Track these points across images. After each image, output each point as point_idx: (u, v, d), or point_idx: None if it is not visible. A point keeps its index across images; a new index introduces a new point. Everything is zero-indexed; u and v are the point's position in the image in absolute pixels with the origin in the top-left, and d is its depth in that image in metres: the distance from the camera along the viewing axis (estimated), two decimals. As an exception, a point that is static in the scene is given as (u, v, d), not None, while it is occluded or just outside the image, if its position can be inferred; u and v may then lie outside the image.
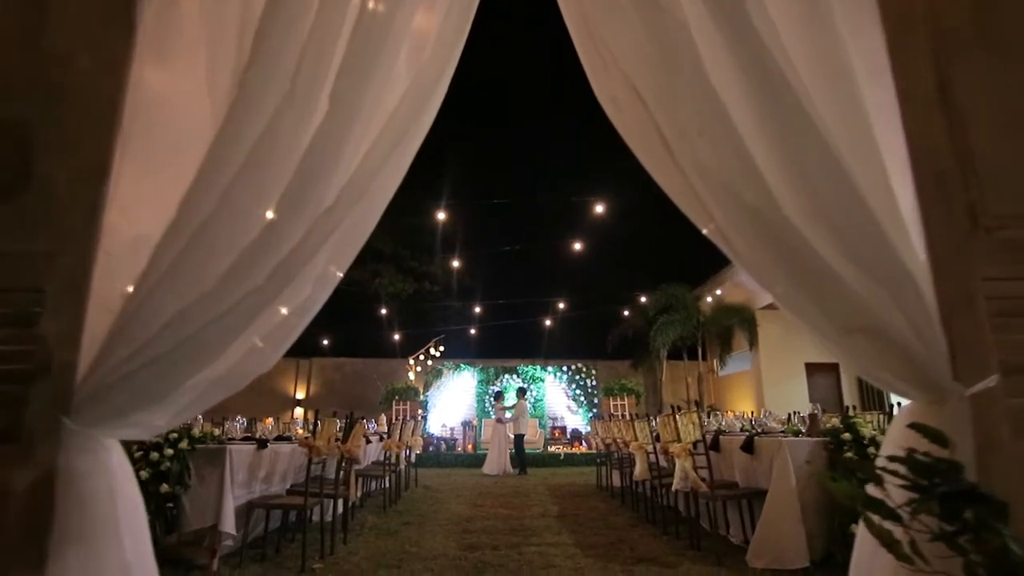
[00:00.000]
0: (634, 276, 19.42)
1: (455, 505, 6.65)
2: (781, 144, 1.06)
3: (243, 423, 4.51)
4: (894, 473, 0.93)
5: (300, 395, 19.71)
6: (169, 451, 3.59)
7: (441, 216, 15.08)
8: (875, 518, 0.91)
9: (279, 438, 4.59)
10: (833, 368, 15.74)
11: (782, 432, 4.07)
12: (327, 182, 1.21)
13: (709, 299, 16.35)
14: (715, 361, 17.97)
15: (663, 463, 5.10)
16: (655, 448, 5.12)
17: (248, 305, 1.15)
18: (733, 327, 16.08)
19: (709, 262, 17.73)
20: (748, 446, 4.04)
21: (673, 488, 4.18)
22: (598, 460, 8.21)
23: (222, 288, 1.13)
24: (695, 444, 4.15)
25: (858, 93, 1.11)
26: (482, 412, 15.78)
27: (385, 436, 6.65)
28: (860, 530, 1.12)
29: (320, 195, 1.19)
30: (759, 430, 4.38)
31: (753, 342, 15.17)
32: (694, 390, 16.90)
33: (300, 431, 5.90)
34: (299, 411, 19.35)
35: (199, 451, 3.73)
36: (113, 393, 1.07)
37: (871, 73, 1.13)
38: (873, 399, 14.73)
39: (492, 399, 11.89)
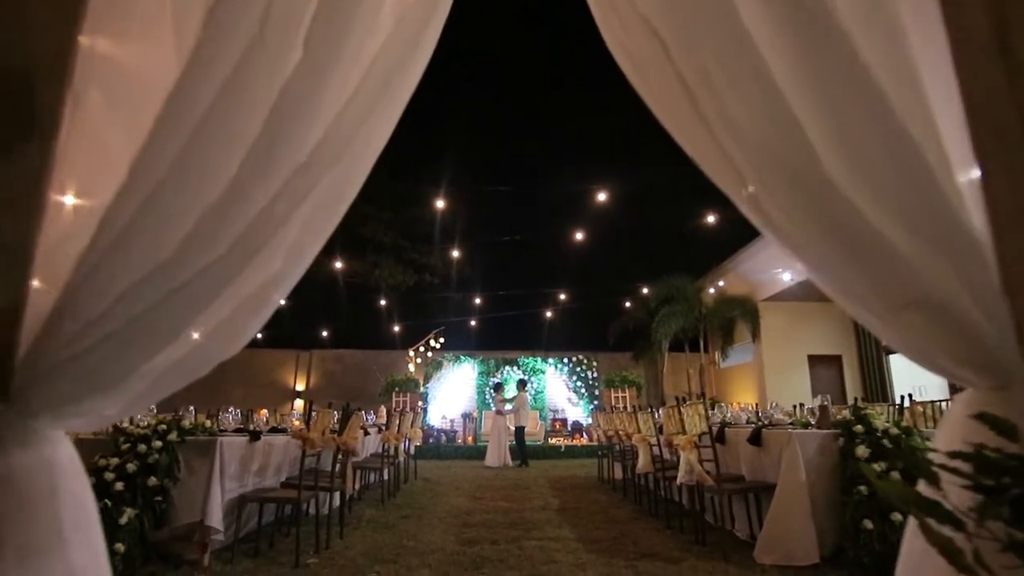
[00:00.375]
0: (635, 267, 19.28)
1: (454, 498, 6.55)
2: (824, 94, 0.91)
3: (236, 414, 4.39)
4: (955, 471, 0.80)
5: (300, 387, 19.65)
6: (158, 443, 3.48)
7: (441, 207, 14.95)
8: (931, 523, 0.78)
9: (273, 430, 4.47)
10: (835, 360, 15.65)
11: (790, 424, 3.94)
12: (300, 139, 1.06)
13: (711, 290, 16.20)
14: (716, 353, 17.88)
15: (667, 456, 4.99)
16: (659, 440, 5.01)
17: (211, 277, 1.01)
18: (735, 319, 15.98)
19: (711, 253, 17.63)
20: (756, 438, 3.92)
21: (678, 481, 4.06)
22: (599, 452, 8.11)
23: (181, 257, 0.99)
24: (700, 436, 4.03)
25: (905, 38, 0.97)
26: (482, 404, 15.70)
27: (384, 428, 6.53)
28: (908, 534, 1.00)
29: (292, 153, 1.05)
30: (766, 422, 4.26)
31: (755, 334, 15.05)
32: (695, 382, 16.83)
33: (296, 423, 5.79)
34: (299, 403, 19.30)
35: (189, 443, 3.61)
36: (58, 376, 0.94)
37: (918, 15, 0.99)
38: (876, 391, 14.61)
39: (492, 391, 11.79)
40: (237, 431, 4.05)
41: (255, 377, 19.03)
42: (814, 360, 15.62)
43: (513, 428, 11.29)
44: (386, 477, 6.68)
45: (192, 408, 4.48)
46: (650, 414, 5.06)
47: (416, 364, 16.68)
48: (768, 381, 15.20)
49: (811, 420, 3.86)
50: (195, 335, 1.11)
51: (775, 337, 15.37)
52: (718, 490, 3.75)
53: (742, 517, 4.23)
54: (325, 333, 19.54)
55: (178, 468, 3.50)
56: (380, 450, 6.44)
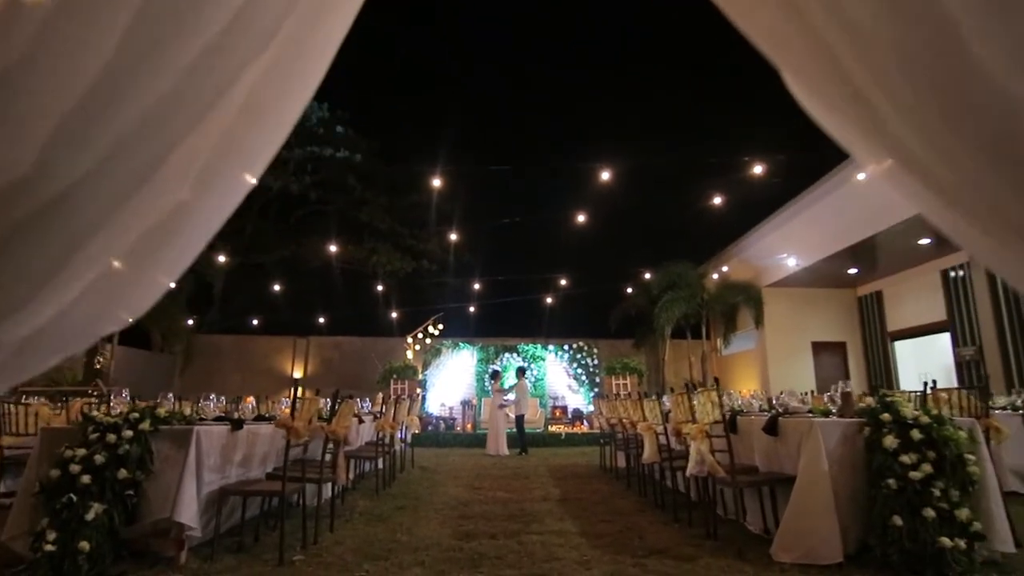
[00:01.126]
0: (637, 253, 19.04)
1: (452, 488, 6.33)
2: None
3: (218, 401, 4.14)
4: None
5: (298, 374, 19.43)
6: (128, 433, 3.22)
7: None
8: None
9: (260, 418, 4.22)
10: (839, 347, 15.42)
11: (809, 412, 3.69)
12: (210, 8, 0.76)
13: (715, 276, 15.93)
14: (718, 340, 17.65)
15: (675, 445, 4.75)
16: (666, 429, 4.76)
17: (82, 198, 0.73)
18: (738, 305, 15.74)
19: (714, 238, 17.34)
20: (772, 428, 3.67)
21: (687, 473, 3.82)
22: (601, 440, 7.89)
23: (42, 171, 0.71)
24: (712, 425, 3.78)
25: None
26: (482, 391, 15.48)
27: (379, 416, 6.29)
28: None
29: (197, 28, 0.76)
30: (780, 410, 4.01)
31: (759, 320, 14.81)
32: (697, 369, 16.61)
33: (285, 411, 5.54)
34: (298, 392, 19.09)
35: (164, 433, 3.36)
36: None
37: None
38: (881, 378, 14.41)
39: (489, 379, 11.57)
40: (218, 419, 3.80)
41: (252, 364, 18.82)
42: (818, 347, 15.40)
43: (513, 416, 11.07)
44: (381, 466, 6.45)
45: (171, 396, 4.23)
46: (656, 401, 4.82)
47: (415, 351, 16.44)
48: (771, 368, 15.00)
49: (831, 408, 3.60)
50: (74, 284, 0.82)
51: (779, 324, 15.14)
52: (732, 483, 3.50)
53: (755, 510, 3.99)
54: (323, 320, 19.31)
55: (151, 459, 3.25)
56: (375, 438, 6.19)
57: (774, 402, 4.26)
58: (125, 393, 4.17)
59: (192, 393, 4.80)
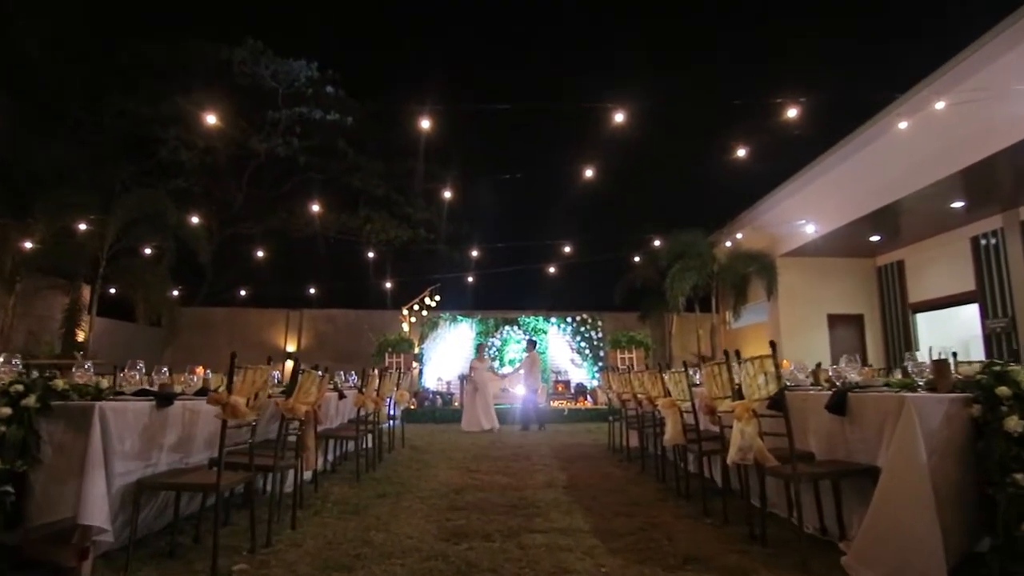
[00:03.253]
0: (644, 221, 18.13)
1: (444, 471, 5.61)
2: None
3: (143, 370, 3.35)
4: None
5: (291, 348, 18.79)
6: (6, 410, 2.45)
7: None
8: None
9: (202, 392, 3.45)
10: (856, 320, 14.63)
11: (885, 386, 2.93)
12: None
13: (728, 244, 15.08)
14: (728, 313, 16.90)
15: (708, 425, 3.99)
16: (693, 406, 4.00)
17: None
18: (749, 276, 14.93)
19: (725, 205, 16.45)
20: (838, 405, 2.90)
21: (729, 460, 3.06)
22: (610, 417, 7.17)
23: None
24: (758, 403, 3.00)
25: None
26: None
27: (362, 390, 5.54)
28: None
29: None
30: (842, 383, 3.24)
31: (772, 291, 14.01)
32: (706, 343, 15.89)
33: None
34: (289, 364, 18.45)
35: (59, 411, 2.59)
36: None
37: None
38: (899, 352, 13.66)
39: (474, 352, 10.98)
40: (140, 394, 3.03)
41: (244, 337, 18.16)
42: (834, 319, 14.63)
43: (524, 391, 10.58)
44: (368, 445, 5.74)
45: (141, 366, 3.47)
46: (683, 374, 4.05)
47: (410, 324, 15.70)
48: (784, 341, 14.25)
49: (918, 381, 2.82)
50: None
51: (793, 295, 14.34)
52: (791, 475, 2.74)
53: (808, 505, 3.25)
54: (317, 292, 18.58)
55: (37, 445, 2.49)
56: (356, 415, 5.44)
57: (832, 374, 3.48)
58: (89, 365, 3.42)
59: (180, 368, 4.09)
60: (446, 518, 3.75)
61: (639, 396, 5.31)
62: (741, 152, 9.95)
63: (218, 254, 20.11)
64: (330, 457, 5.55)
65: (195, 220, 14.47)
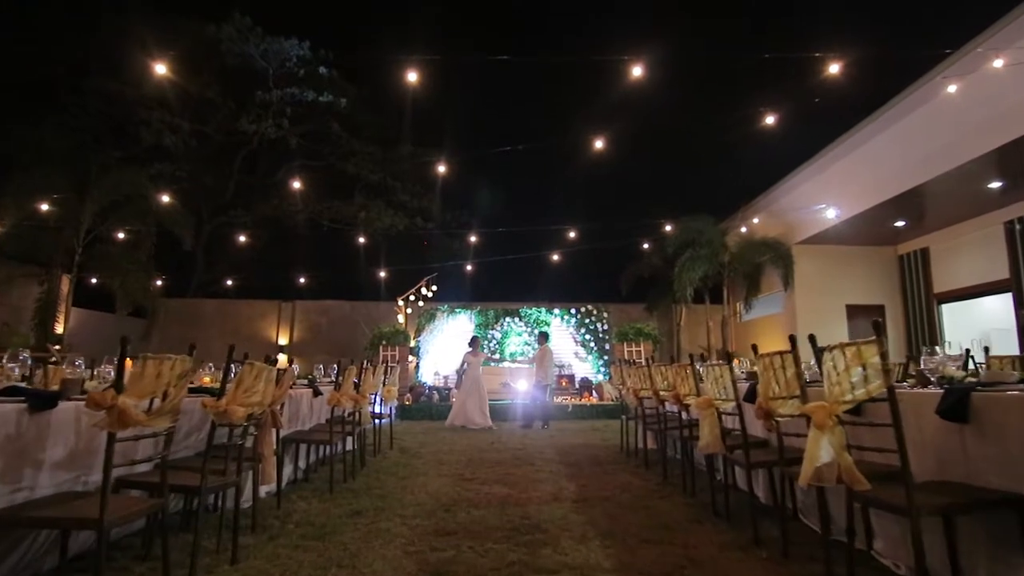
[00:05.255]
0: (651, 208, 17.33)
1: (434, 479, 4.86)
2: None
3: (28, 361, 2.59)
4: None
5: (283, 341, 18.05)
6: None
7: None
8: None
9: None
10: (877, 310, 13.81)
11: (1022, 382, 2.16)
12: None
13: (743, 229, 14.29)
14: (738, 304, 16.13)
15: (761, 432, 3.22)
16: (739, 407, 3.23)
17: None
18: (762, 265, 14.15)
19: (739, 189, 15.64)
20: (959, 410, 2.12)
21: (803, 481, 2.29)
22: (623, 416, 6.41)
23: None
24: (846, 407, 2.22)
25: None
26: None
27: (337, 385, 4.78)
28: None
29: None
30: (952, 381, 2.47)
31: (788, 281, 13.23)
32: (716, 336, 15.12)
33: (206, 381, 4.02)
34: (282, 358, 17.73)
35: None
36: None
37: None
38: (922, 343, 12.87)
39: (468, 345, 10.19)
40: (9, 393, 2.26)
41: (235, 330, 17.45)
42: (853, 310, 13.84)
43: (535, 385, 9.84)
44: (348, 448, 4.99)
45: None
46: (725, 368, 3.27)
47: (406, 315, 14.93)
48: (801, 334, 13.43)
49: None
50: None
51: (810, 285, 13.57)
52: (910, 510, 1.95)
53: (893, 539, 2.49)
54: (308, 282, 17.84)
55: None
56: (332, 415, 4.67)
57: (925, 367, 2.70)
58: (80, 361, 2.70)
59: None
60: (430, 546, 2.99)
61: (662, 393, 4.53)
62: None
63: (209, 244, 19.36)
64: (302, 464, 4.79)
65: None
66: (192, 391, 3.03)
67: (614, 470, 5.26)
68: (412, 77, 6.37)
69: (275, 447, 3.64)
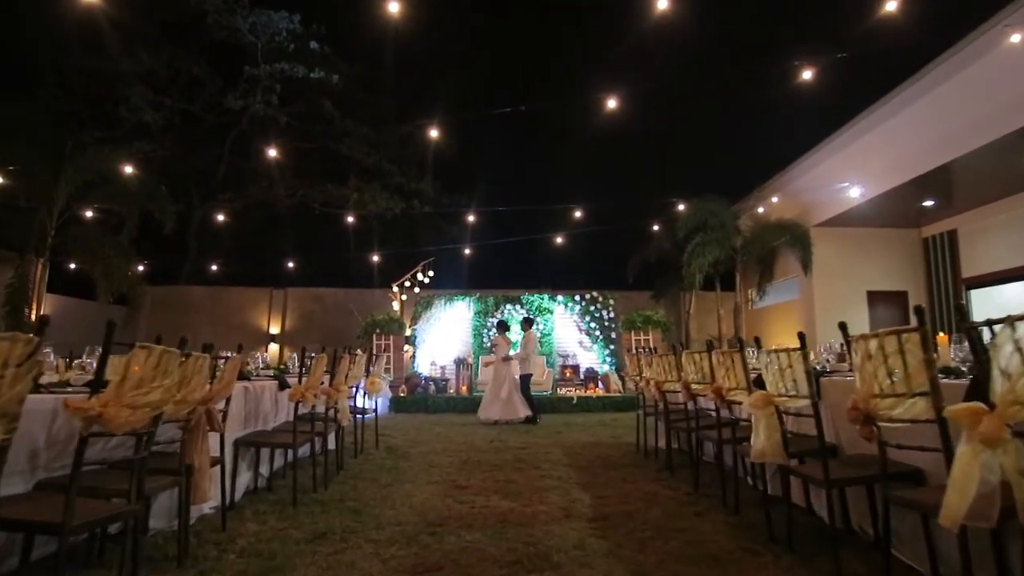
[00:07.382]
0: (659, 190, 16.50)
1: (422, 487, 4.11)
2: None
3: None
4: None
5: (275, 329, 17.32)
6: None
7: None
8: None
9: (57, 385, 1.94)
10: (900, 297, 13.03)
11: None
12: None
13: (760, 209, 13.49)
14: (751, 291, 15.36)
15: (833, 438, 2.45)
16: (815, 407, 2.45)
17: None
18: (777, 249, 13.36)
19: (753, 168, 14.81)
20: None
21: (952, 523, 1.53)
22: (640, 412, 5.65)
23: None
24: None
25: None
26: (479, 349, 13.27)
27: (300, 377, 4.02)
28: None
29: None
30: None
31: (807, 265, 12.43)
32: (727, 324, 14.35)
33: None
34: (273, 348, 16.99)
35: None
36: None
37: None
38: (945, 332, 12.06)
39: (495, 330, 9.27)
40: None
41: (225, 317, 16.73)
42: (874, 296, 13.08)
43: (518, 377, 8.87)
44: (328, 447, 4.24)
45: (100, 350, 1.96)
46: (797, 355, 2.49)
47: (400, 302, 14.16)
48: (819, 321, 12.70)
49: None
50: None
51: (828, 270, 12.78)
52: None
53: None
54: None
55: None
56: (295, 413, 3.91)
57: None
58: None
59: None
60: (406, 591, 2.24)
61: (694, 387, 3.76)
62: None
63: (200, 229, 18.57)
64: (264, 471, 4.04)
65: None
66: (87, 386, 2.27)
67: (633, 476, 4.50)
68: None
69: (215, 454, 2.89)
